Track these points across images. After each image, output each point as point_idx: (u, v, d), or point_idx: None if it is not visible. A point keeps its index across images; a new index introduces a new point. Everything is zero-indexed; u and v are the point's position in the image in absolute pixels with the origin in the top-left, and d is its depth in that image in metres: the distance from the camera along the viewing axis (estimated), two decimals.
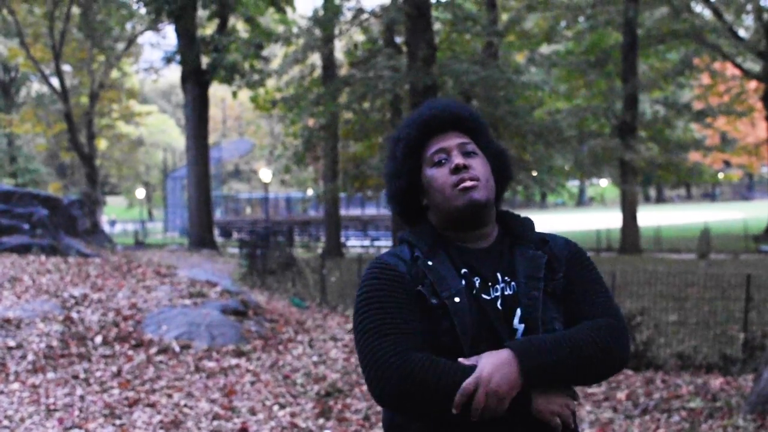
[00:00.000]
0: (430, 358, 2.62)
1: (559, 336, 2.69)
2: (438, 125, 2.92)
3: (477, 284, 2.79)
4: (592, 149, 38.08)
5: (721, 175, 77.71)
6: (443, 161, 2.87)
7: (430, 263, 2.79)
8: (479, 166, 2.86)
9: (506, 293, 2.78)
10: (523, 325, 2.73)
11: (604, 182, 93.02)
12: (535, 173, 33.20)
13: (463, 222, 2.86)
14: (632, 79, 37.99)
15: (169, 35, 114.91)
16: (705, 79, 48.16)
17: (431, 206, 2.92)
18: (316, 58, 37.96)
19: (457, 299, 2.72)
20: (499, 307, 2.75)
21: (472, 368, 2.58)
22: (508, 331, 2.73)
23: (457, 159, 2.84)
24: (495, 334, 2.70)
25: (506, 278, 2.81)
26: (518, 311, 2.75)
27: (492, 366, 2.57)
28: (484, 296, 2.76)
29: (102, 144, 63.92)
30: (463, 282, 2.77)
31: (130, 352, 12.21)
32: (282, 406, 9.56)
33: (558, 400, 2.66)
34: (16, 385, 10.37)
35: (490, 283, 2.80)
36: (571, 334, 2.70)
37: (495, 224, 2.95)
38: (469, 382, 2.55)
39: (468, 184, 2.79)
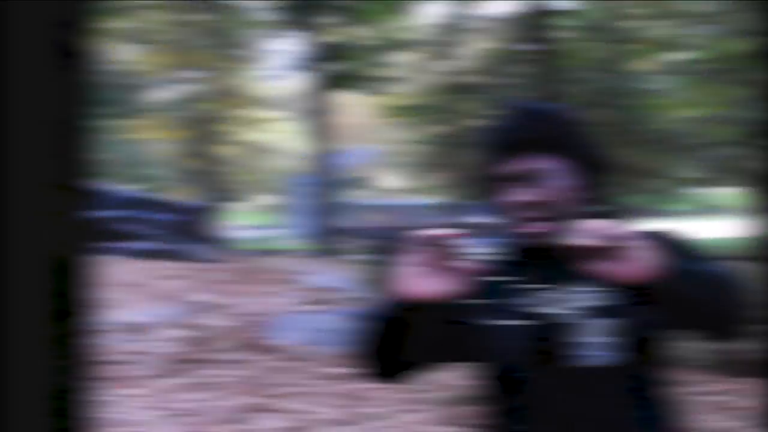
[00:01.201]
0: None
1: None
2: (514, 143, 2.54)
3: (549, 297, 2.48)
4: (719, 157, 37.42)
5: None
6: (514, 182, 2.50)
7: (516, 277, 2.51)
8: (554, 192, 2.47)
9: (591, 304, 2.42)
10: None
11: (730, 190, 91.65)
12: (657, 181, 33.01)
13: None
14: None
15: (295, 42, 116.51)
16: None
17: None
18: (442, 65, 38.11)
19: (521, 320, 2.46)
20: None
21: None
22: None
23: (525, 195, 2.47)
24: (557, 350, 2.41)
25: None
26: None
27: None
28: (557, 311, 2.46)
29: (227, 150, 64.81)
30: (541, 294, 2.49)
31: (255, 358, 12.24)
32: (408, 413, 9.47)
33: None
34: (141, 390, 10.45)
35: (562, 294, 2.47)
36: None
37: None
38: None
39: (533, 230, 2.46)
